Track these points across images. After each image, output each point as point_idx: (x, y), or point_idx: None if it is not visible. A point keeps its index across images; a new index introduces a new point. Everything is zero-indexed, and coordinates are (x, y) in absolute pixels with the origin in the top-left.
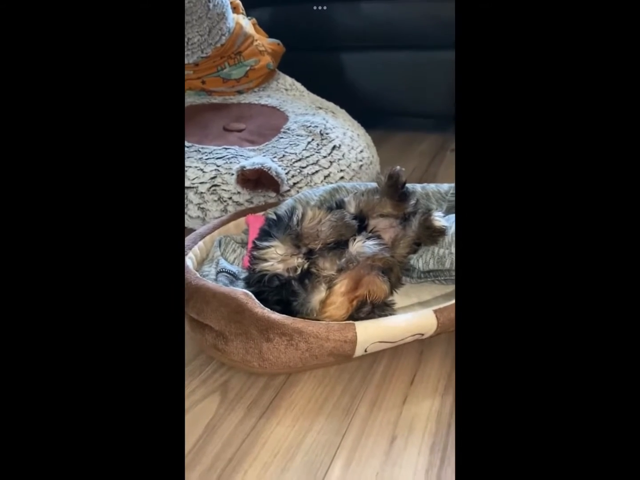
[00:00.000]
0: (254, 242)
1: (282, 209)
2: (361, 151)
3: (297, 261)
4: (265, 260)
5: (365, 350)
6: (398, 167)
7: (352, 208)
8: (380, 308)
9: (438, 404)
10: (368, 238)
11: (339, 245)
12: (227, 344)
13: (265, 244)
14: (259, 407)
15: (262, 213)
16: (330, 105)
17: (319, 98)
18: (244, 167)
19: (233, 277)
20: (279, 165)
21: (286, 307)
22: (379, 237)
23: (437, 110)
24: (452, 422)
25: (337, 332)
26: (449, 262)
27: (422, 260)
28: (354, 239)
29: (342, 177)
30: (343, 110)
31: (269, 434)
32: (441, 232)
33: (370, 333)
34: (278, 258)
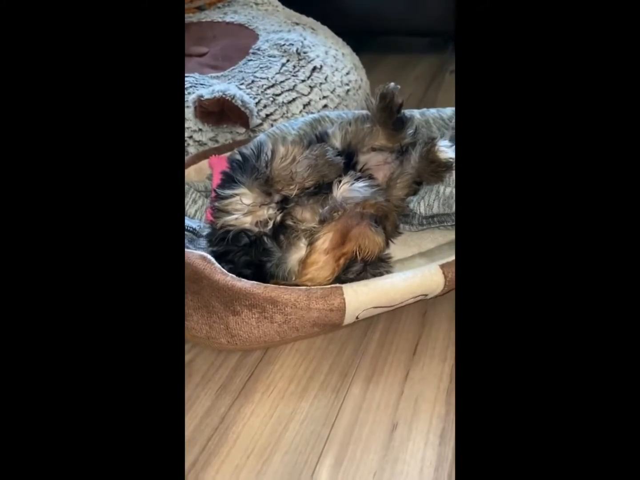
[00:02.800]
0: (215, 191)
1: (250, 146)
2: (347, 73)
3: (268, 212)
4: (229, 212)
5: (357, 317)
6: (392, 84)
7: (337, 141)
8: (374, 265)
9: (447, 378)
10: (357, 179)
11: (321, 189)
12: (186, 319)
13: (229, 192)
14: (230, 393)
15: (228, 154)
16: (310, 20)
17: (295, 13)
18: (202, 96)
19: (193, 235)
20: (248, 94)
21: (258, 270)
22: (370, 176)
23: (433, 27)
24: None
25: (320, 299)
26: None
27: (424, 203)
28: (339, 181)
29: (325, 106)
30: (325, 27)
31: (241, 428)
32: (447, 166)
33: (362, 298)
34: (244, 209)
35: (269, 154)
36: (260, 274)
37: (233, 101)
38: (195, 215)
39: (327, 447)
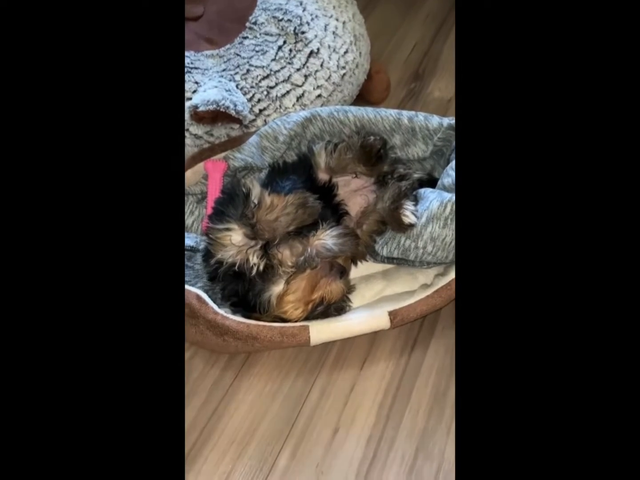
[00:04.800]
0: (209, 221)
1: (240, 187)
2: (345, 52)
3: (253, 260)
4: (222, 245)
5: None
6: (372, 138)
7: (321, 161)
8: (337, 307)
9: (381, 394)
10: (331, 227)
11: (301, 231)
12: (186, 334)
13: (221, 226)
14: (220, 389)
15: (222, 155)
16: None
17: None
18: (197, 107)
19: (191, 252)
20: (242, 87)
21: (242, 297)
22: (345, 213)
23: None
24: (390, 414)
25: (291, 336)
26: (414, 255)
27: (386, 249)
28: (315, 232)
29: (318, 96)
30: None
31: (227, 420)
32: (410, 226)
33: (324, 335)
34: (235, 250)
35: (256, 202)
36: (244, 301)
37: (227, 111)
38: (192, 226)
39: (287, 442)
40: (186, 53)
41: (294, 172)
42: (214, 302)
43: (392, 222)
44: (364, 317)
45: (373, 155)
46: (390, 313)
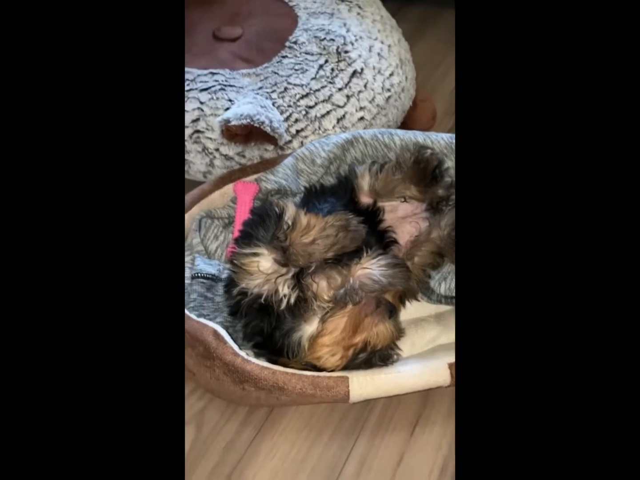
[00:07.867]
0: (234, 246)
1: (272, 207)
2: (391, 74)
3: (284, 290)
4: (247, 273)
5: None
6: (429, 152)
7: (365, 184)
8: (382, 355)
9: (437, 471)
10: (378, 255)
11: (341, 258)
12: (199, 379)
13: (248, 250)
14: (236, 451)
15: (254, 177)
16: None
17: None
18: (229, 121)
19: (212, 281)
20: (279, 106)
21: (268, 338)
22: (393, 242)
23: None
24: None
25: (325, 389)
26: None
27: (445, 285)
28: (359, 259)
29: (361, 118)
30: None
31: None
32: None
33: (366, 390)
34: (262, 278)
35: (290, 222)
36: (270, 341)
37: (262, 127)
38: (216, 253)
39: None
40: (221, 71)
41: (333, 194)
42: (234, 342)
43: (452, 253)
44: (418, 369)
45: (428, 173)
46: (452, 366)
